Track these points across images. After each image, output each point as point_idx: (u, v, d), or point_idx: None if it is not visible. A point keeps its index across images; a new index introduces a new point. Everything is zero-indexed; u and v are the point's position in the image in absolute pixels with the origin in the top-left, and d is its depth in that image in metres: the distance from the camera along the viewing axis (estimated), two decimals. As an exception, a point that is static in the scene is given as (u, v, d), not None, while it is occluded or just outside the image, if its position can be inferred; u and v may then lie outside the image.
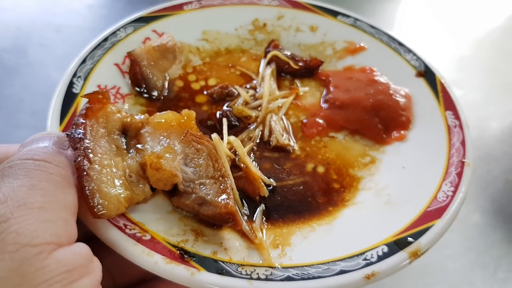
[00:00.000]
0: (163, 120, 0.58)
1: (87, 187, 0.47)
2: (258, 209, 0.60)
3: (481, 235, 0.88)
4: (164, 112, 0.59)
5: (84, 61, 0.71)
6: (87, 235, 0.49)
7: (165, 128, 0.57)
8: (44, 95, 1.03)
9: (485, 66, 1.35)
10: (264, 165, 0.67)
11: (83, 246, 0.43)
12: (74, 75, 0.69)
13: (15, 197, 0.40)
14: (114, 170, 0.51)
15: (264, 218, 0.60)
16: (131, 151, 0.55)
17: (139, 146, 0.56)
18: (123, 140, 0.56)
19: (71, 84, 0.67)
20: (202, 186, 0.55)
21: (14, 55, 1.15)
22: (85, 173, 0.47)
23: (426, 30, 1.48)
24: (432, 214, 0.57)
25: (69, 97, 0.65)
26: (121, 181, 0.51)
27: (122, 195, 0.50)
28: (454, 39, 1.45)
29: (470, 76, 1.30)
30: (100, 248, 0.47)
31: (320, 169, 0.68)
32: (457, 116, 0.70)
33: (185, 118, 0.59)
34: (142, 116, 0.58)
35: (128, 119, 0.57)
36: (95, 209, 0.47)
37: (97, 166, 0.49)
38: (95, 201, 0.47)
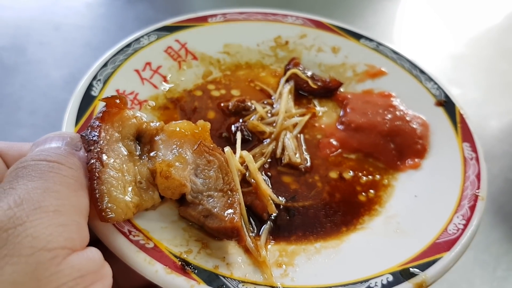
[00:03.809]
0: (178, 129, 0.58)
1: (97, 190, 0.47)
2: (264, 226, 0.59)
3: (481, 234, 0.85)
4: (180, 121, 0.59)
5: (105, 65, 0.72)
6: (93, 238, 0.49)
7: (179, 137, 0.58)
8: (43, 94, 1.04)
9: (485, 64, 1.36)
10: (274, 183, 0.66)
11: (96, 251, 0.43)
12: (94, 78, 0.69)
13: (31, 199, 0.40)
14: (126, 175, 0.52)
15: (271, 236, 0.59)
16: (143, 157, 0.56)
17: (151, 153, 0.56)
18: (137, 146, 0.56)
19: (90, 87, 0.68)
20: (209, 198, 0.55)
21: (13, 53, 1.16)
22: (96, 176, 0.48)
23: (426, 29, 1.47)
24: (441, 246, 0.56)
25: (87, 99, 0.66)
26: (131, 187, 0.51)
27: (131, 201, 0.50)
28: (453, 38, 1.45)
29: (470, 75, 1.31)
30: (105, 252, 0.46)
31: (333, 190, 0.67)
32: (474, 149, 0.69)
33: (200, 128, 0.59)
34: (158, 124, 0.58)
35: (144, 126, 0.57)
36: (103, 213, 0.47)
37: (109, 170, 0.49)
38: (104, 204, 0.47)
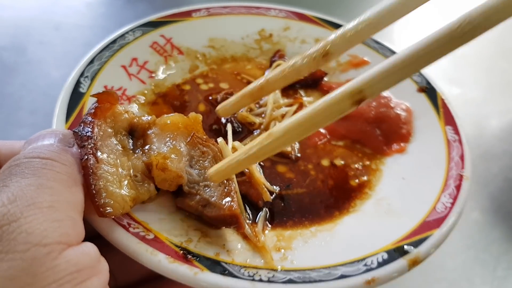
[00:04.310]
0: (170, 122, 0.59)
1: (93, 186, 0.48)
2: (260, 213, 0.61)
3: (481, 233, 0.88)
4: (171, 114, 0.60)
5: (92, 61, 0.72)
6: (89, 234, 0.49)
7: (172, 130, 0.58)
8: (43, 93, 1.04)
9: (485, 64, 1.35)
10: (270, 173, 0.68)
11: (91, 246, 0.44)
12: (82, 74, 0.69)
13: (24, 196, 0.40)
14: (120, 169, 0.52)
15: (267, 223, 0.60)
16: (137, 151, 0.56)
17: (145, 146, 0.57)
18: (130, 140, 0.57)
19: (78, 84, 0.68)
20: (206, 188, 0.56)
21: (13, 53, 1.15)
22: (92, 171, 0.48)
23: (427, 28, 1.47)
24: (431, 224, 0.58)
25: (76, 96, 0.66)
26: (126, 181, 0.52)
27: (128, 194, 0.51)
28: None
29: (470, 74, 1.30)
30: (102, 247, 0.47)
31: (325, 177, 0.69)
32: (456, 132, 0.72)
33: (192, 121, 0.60)
34: (149, 117, 0.59)
35: (135, 120, 0.58)
36: (101, 208, 0.48)
37: (104, 165, 0.50)
38: (101, 200, 0.48)
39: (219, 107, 0.70)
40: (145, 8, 1.33)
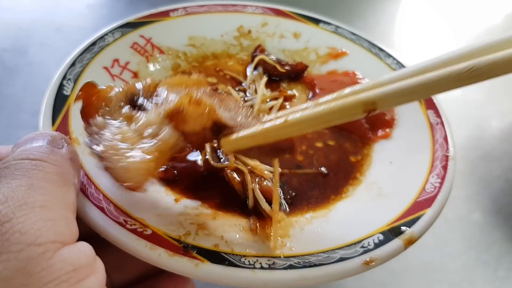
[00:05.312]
0: (176, 81, 0.57)
1: (110, 170, 0.48)
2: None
3: (482, 234, 0.89)
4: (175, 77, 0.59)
5: (73, 64, 0.71)
6: (82, 237, 0.49)
7: (183, 86, 0.56)
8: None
9: None
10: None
11: (86, 245, 0.43)
12: (64, 77, 0.69)
13: (15, 197, 0.39)
14: (128, 144, 0.50)
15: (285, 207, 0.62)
16: (150, 106, 0.53)
17: (159, 100, 0.54)
18: (132, 108, 0.54)
19: (61, 86, 0.67)
20: (246, 120, 0.54)
21: (14, 54, 1.14)
22: (103, 158, 0.48)
23: (427, 29, 1.50)
24: (422, 204, 0.60)
25: (60, 99, 0.65)
26: (139, 148, 0.49)
27: (145, 159, 0.48)
28: (454, 38, 1.47)
29: None
30: (94, 249, 0.46)
31: (326, 154, 0.71)
32: (438, 115, 0.74)
33: (197, 81, 0.58)
34: (149, 80, 0.56)
35: (139, 85, 0.56)
36: (128, 186, 0.48)
37: (110, 149, 0.49)
38: (123, 178, 0.47)
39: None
40: (147, 10, 1.34)
